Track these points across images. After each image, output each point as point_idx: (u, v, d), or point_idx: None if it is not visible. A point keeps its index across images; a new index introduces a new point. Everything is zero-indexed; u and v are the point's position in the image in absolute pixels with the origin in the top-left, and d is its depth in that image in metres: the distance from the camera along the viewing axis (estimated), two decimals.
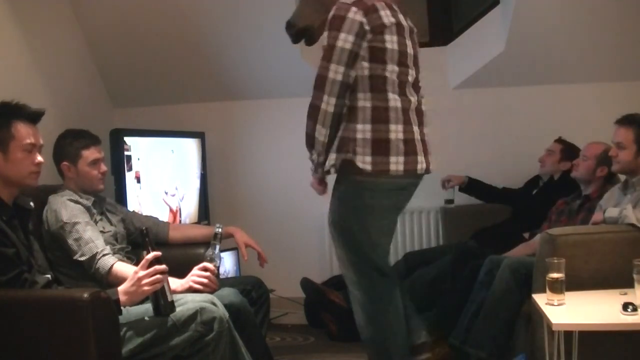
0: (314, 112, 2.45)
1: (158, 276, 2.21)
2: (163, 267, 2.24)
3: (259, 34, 3.86)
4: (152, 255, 2.24)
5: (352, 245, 2.54)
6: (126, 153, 3.39)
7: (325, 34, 2.46)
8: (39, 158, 2.26)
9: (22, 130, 2.21)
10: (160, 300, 2.26)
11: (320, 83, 2.44)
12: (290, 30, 2.73)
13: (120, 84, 4.14)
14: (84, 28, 3.77)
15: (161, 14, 3.75)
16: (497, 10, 4.04)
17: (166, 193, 3.70)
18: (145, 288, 2.20)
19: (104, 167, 2.75)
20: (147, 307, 2.39)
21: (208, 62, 4.07)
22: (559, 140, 3.71)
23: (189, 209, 3.91)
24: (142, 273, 2.21)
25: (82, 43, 3.81)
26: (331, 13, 2.46)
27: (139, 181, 3.47)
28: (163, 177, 3.70)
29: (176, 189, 3.76)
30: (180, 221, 3.75)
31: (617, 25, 3.75)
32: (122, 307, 2.20)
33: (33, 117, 2.26)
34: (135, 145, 3.46)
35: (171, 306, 2.27)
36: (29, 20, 3.25)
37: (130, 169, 3.41)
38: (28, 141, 2.22)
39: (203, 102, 4.32)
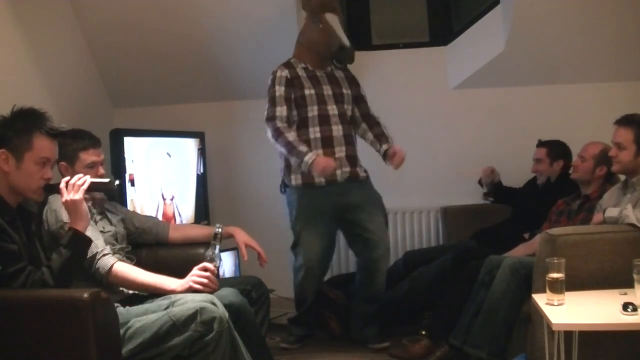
0: None
1: (77, 183, 2.28)
2: (76, 176, 2.32)
3: (259, 34, 3.86)
4: (63, 181, 2.30)
5: None
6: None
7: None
8: (49, 174, 2.26)
9: (41, 143, 2.21)
10: (102, 184, 2.42)
11: None
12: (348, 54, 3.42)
13: (120, 84, 4.14)
14: (84, 28, 3.77)
15: (161, 14, 3.75)
16: (497, 10, 4.05)
17: (164, 198, 3.70)
18: (75, 198, 2.26)
19: (101, 171, 2.72)
20: (147, 307, 2.40)
21: (208, 62, 4.07)
22: (541, 144, 3.71)
23: (187, 209, 3.90)
24: (65, 195, 2.27)
25: (82, 43, 3.81)
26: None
27: (133, 184, 3.47)
28: (159, 180, 3.69)
29: (172, 198, 3.76)
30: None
31: (617, 25, 3.75)
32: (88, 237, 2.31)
33: (54, 132, 2.25)
34: (129, 147, 3.46)
35: (110, 180, 2.42)
36: (29, 20, 3.24)
37: (124, 172, 3.40)
38: (43, 155, 2.21)
39: (203, 102, 4.33)
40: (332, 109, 3.42)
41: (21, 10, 3.17)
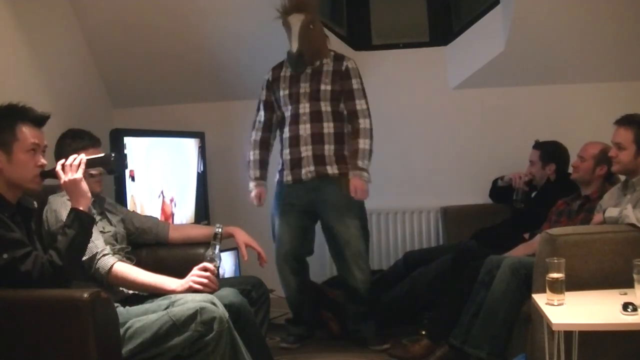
0: (371, 132, 3.42)
1: (76, 161, 2.29)
2: (71, 157, 2.32)
3: (259, 34, 3.86)
4: (59, 164, 2.31)
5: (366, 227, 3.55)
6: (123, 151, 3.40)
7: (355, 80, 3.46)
8: (42, 160, 2.27)
9: (26, 133, 2.22)
10: (99, 158, 2.41)
11: (369, 112, 3.44)
12: (298, 57, 3.36)
13: (120, 84, 4.14)
14: (84, 28, 3.76)
15: (161, 14, 3.75)
16: (497, 10, 4.05)
17: (162, 194, 3.70)
18: (75, 177, 2.27)
19: (101, 170, 2.73)
20: (147, 307, 2.40)
21: (208, 62, 4.07)
22: (536, 146, 3.72)
23: (187, 209, 3.90)
24: (63, 177, 2.27)
25: (82, 43, 3.81)
26: (352, 64, 3.47)
27: (133, 179, 3.47)
28: (159, 180, 3.69)
29: (171, 199, 3.76)
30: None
31: (617, 25, 3.75)
32: (90, 214, 2.33)
33: (38, 120, 2.26)
34: (130, 147, 3.46)
35: (106, 154, 2.45)
36: (29, 20, 3.24)
37: (126, 167, 3.41)
38: (31, 141, 2.22)
39: (203, 102, 4.33)
40: (304, 107, 3.43)
41: (21, 10, 3.17)
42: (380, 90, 3.72)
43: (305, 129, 3.42)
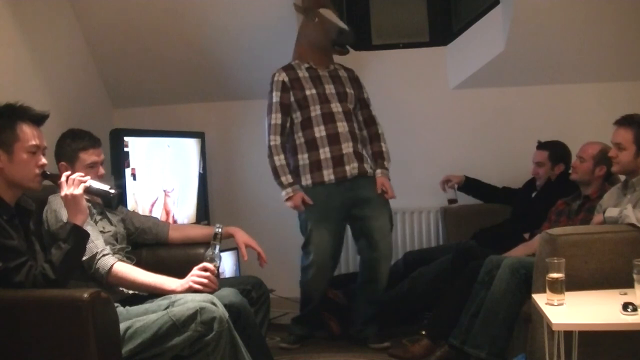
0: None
1: (79, 178, 2.30)
2: (77, 173, 2.35)
3: (259, 35, 3.86)
4: (64, 175, 2.32)
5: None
6: (125, 149, 3.41)
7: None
8: (43, 160, 2.27)
9: (27, 132, 2.22)
10: (101, 190, 2.41)
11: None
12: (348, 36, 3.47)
13: (120, 84, 4.14)
14: (84, 28, 3.77)
15: (161, 14, 3.75)
16: (497, 10, 4.04)
17: (164, 191, 3.70)
18: (76, 193, 2.28)
19: (101, 171, 2.72)
20: (147, 307, 2.40)
21: (208, 62, 4.07)
22: (542, 146, 3.70)
23: (188, 209, 3.91)
24: (65, 189, 2.28)
25: (82, 43, 3.81)
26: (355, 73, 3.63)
27: (135, 178, 3.48)
28: (160, 175, 3.70)
29: (172, 189, 3.76)
30: (175, 222, 3.75)
31: (617, 25, 3.75)
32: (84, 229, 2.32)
33: (37, 119, 2.27)
34: (132, 144, 3.47)
35: (110, 189, 2.42)
36: (29, 20, 3.25)
37: (128, 166, 3.42)
38: (32, 143, 2.22)
39: (203, 102, 4.33)
40: (336, 107, 3.46)
41: (21, 10, 3.18)
42: (380, 90, 3.72)
43: (343, 127, 3.44)
